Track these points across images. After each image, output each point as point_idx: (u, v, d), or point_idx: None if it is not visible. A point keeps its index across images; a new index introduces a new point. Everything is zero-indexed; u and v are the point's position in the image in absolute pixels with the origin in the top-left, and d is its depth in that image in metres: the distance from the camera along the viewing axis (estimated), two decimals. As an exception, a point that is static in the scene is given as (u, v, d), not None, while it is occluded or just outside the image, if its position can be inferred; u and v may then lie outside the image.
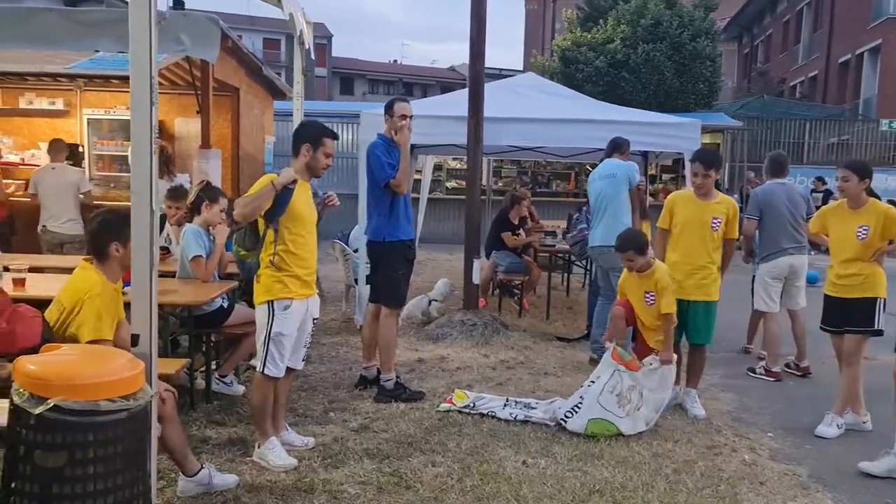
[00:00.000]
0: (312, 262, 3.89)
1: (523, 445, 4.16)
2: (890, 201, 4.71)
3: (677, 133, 7.26)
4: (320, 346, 6.33)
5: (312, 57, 7.03)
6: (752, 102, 23.21)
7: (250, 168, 8.77)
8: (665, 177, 18.00)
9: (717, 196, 4.93)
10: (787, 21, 34.66)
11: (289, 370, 3.88)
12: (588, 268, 8.69)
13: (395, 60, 65.46)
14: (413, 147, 9.39)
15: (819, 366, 5.95)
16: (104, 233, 3.24)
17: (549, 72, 21.53)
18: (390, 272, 5.00)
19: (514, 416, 4.60)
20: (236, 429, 4.25)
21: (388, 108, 5.06)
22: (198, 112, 7.77)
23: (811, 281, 9.26)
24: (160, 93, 9.15)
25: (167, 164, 7.61)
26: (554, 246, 8.78)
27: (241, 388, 4.93)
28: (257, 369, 3.76)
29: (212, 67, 7.23)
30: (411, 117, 5.05)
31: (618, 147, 6.24)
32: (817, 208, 5.37)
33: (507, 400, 4.86)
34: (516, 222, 8.52)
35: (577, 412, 4.38)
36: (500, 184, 17.94)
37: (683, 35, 19.80)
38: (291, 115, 6.69)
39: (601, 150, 6.71)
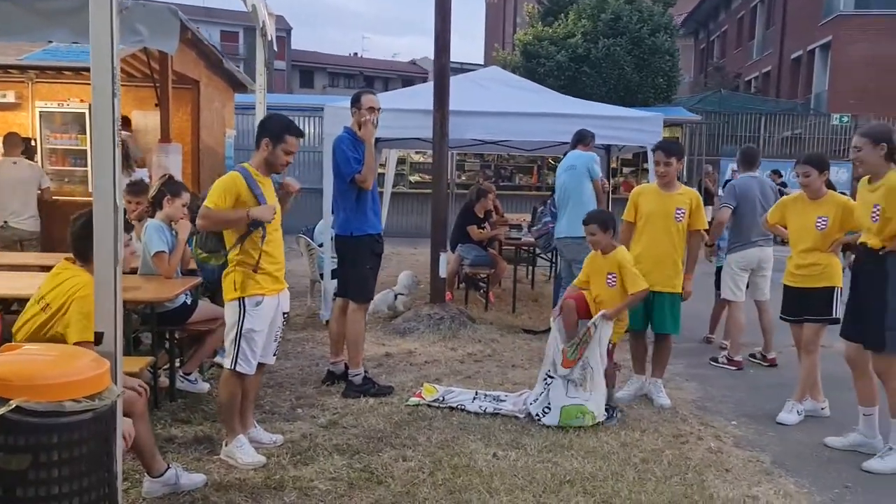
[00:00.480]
0: (281, 257, 3.85)
1: (493, 438, 4.17)
2: (842, 193, 4.82)
3: (640, 127, 7.35)
4: (286, 342, 6.23)
5: (275, 49, 6.93)
6: (709, 97, 23.65)
7: (211, 162, 8.61)
8: (625, 170, 18.24)
9: (680, 187, 4.98)
10: (741, 17, 35.35)
11: (260, 365, 3.83)
12: (553, 260, 8.75)
13: (356, 53, 65.03)
14: (377, 141, 9.36)
15: (778, 355, 6.08)
16: (89, 234, 3.15)
17: (511, 66, 21.59)
18: (358, 266, 4.96)
19: (483, 408, 4.61)
20: (202, 427, 4.18)
21: (355, 101, 5.00)
22: (156, 105, 7.60)
23: None
24: (118, 85, 8.87)
25: (126, 158, 7.45)
26: (519, 239, 8.82)
27: (205, 386, 4.84)
28: (227, 366, 3.69)
29: (171, 59, 7.07)
30: (379, 110, 5.01)
31: (582, 139, 6.29)
32: None
33: (476, 393, 4.87)
34: (482, 216, 8.53)
35: (548, 412, 4.42)
36: (464, 177, 17.97)
37: (643, 30, 20.04)
38: (253, 109, 6.60)
39: (565, 143, 6.77)
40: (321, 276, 7.16)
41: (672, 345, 5.06)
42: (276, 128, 3.78)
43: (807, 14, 27.11)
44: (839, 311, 4.51)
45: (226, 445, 3.74)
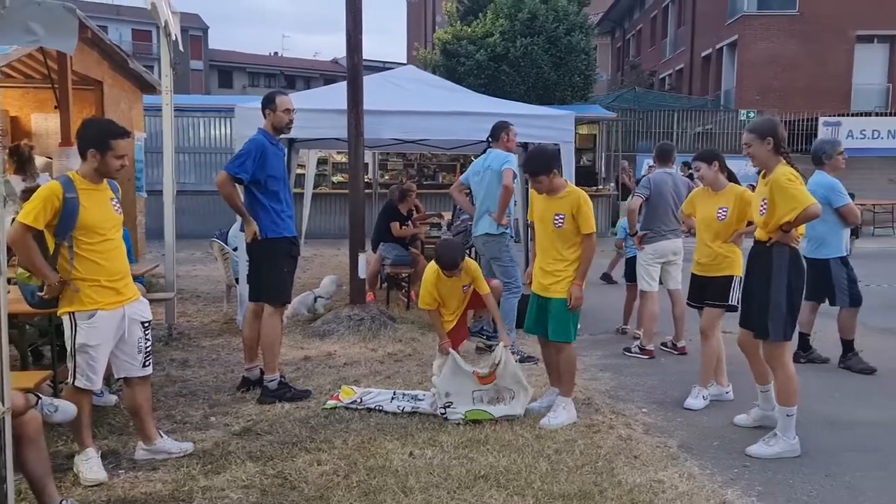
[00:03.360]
0: (122, 267, 3.62)
1: (410, 437, 4.17)
2: (751, 186, 5.05)
3: (553, 125, 7.50)
4: (200, 350, 6.12)
5: (181, 48, 6.73)
6: (624, 94, 24.30)
7: (119, 166, 8.30)
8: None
9: (563, 191, 4.49)
10: (654, 17, 36.50)
11: (132, 378, 3.71)
12: (473, 256, 8.81)
13: (276, 53, 63.94)
14: (293, 141, 9.27)
15: (689, 343, 6.30)
16: None
17: (432, 65, 21.67)
18: (275, 270, 4.88)
19: (401, 408, 4.61)
20: (108, 441, 4.03)
21: (270, 102, 4.91)
22: (56, 107, 7.27)
23: None
24: (11, 86, 8.48)
25: (25, 164, 7.11)
26: (440, 237, 8.85)
27: (112, 398, 4.66)
28: (68, 381, 3.56)
29: (70, 59, 6.78)
30: (293, 110, 4.95)
31: (493, 134, 6.32)
32: None
33: (395, 393, 4.87)
34: (405, 214, 8.54)
35: (451, 406, 4.46)
36: (387, 177, 17.92)
37: (559, 29, 20.42)
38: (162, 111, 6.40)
39: (483, 141, 6.81)
40: (236, 280, 7.01)
41: (587, 336, 4.94)
42: (98, 136, 3.52)
43: (714, 14, 28.23)
44: (735, 298, 4.71)
45: (77, 455, 3.62)
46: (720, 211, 4.77)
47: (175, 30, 6.02)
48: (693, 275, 4.98)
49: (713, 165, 4.86)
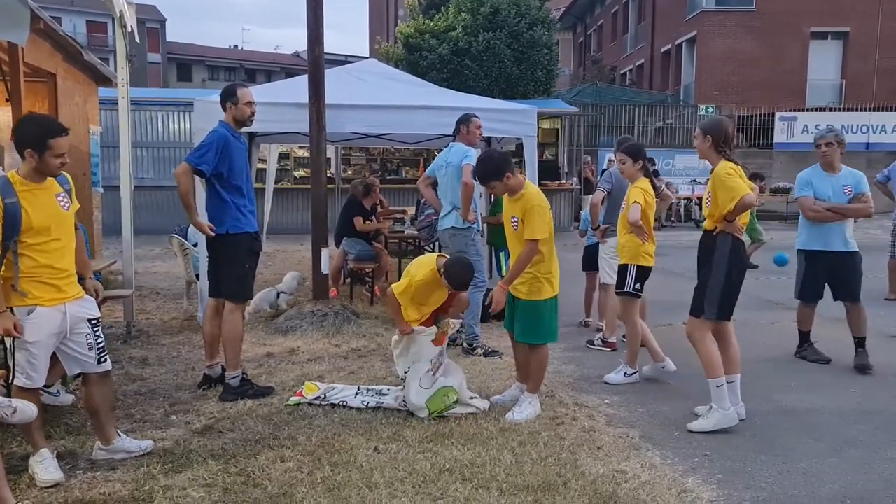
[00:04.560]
0: (66, 265, 3.52)
1: (375, 432, 4.15)
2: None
3: (516, 119, 7.53)
4: (160, 347, 6.02)
5: (137, 40, 6.58)
6: (586, 89, 24.54)
7: (73, 160, 8.07)
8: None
9: (520, 192, 4.44)
10: (615, 12, 36.87)
11: (90, 376, 3.63)
12: (438, 251, 8.81)
13: (237, 46, 63.04)
14: (253, 135, 9.15)
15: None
16: None
17: (394, 59, 21.58)
18: (236, 266, 4.80)
19: (365, 403, 4.59)
20: (64, 441, 3.94)
21: (231, 95, 4.83)
22: (7, 100, 7.05)
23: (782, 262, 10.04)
24: (-42, 78, 8.10)
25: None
26: (403, 232, 8.82)
27: (69, 398, 4.56)
28: (11, 379, 3.46)
29: (21, 51, 6.56)
30: (255, 103, 4.88)
31: (456, 128, 6.30)
32: None
33: (359, 388, 4.83)
34: (369, 209, 8.50)
35: (410, 372, 4.50)
36: (350, 171, 17.82)
37: (521, 24, 20.49)
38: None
39: (446, 136, 6.80)
40: (197, 276, 6.90)
41: (546, 355, 4.60)
42: (35, 135, 3.39)
43: (674, 9, 28.63)
44: (631, 285, 5.20)
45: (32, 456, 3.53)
46: (626, 205, 5.20)
47: (131, 21, 5.89)
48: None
49: (639, 162, 5.22)
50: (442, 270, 4.49)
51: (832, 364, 5.70)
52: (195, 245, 6.99)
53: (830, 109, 23.26)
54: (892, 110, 22.00)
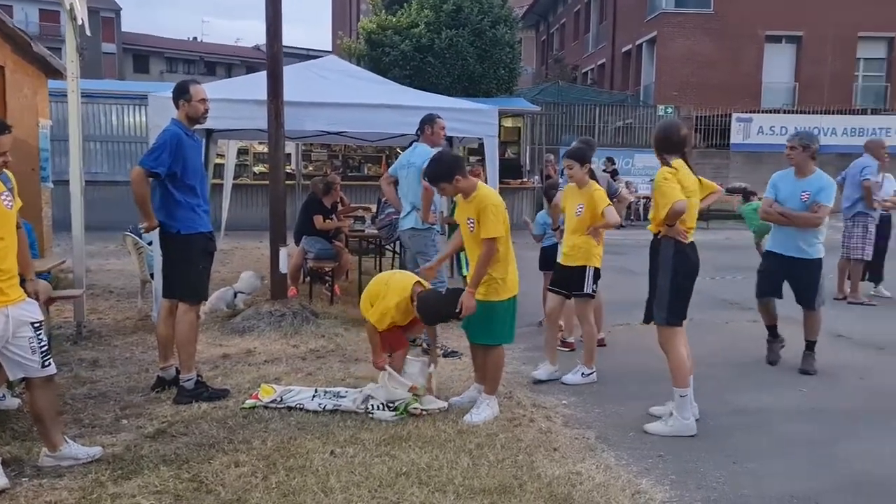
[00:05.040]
0: (8, 267, 3.41)
1: (332, 436, 4.12)
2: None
3: (477, 119, 7.53)
4: (112, 349, 5.89)
5: (88, 33, 6.41)
6: (548, 88, 24.71)
7: (22, 155, 7.85)
8: (472, 159, 18.67)
9: (473, 193, 4.42)
10: (577, 11, 37.15)
11: (33, 380, 3.53)
12: (397, 251, 8.79)
13: (195, 38, 61.93)
14: (211, 132, 9.01)
15: (608, 334, 6.46)
16: None
17: (357, 54, 21.44)
18: (190, 267, 4.72)
19: (323, 406, 4.55)
20: (10, 447, 3.82)
21: (184, 92, 4.72)
22: (-47, 92, 6.83)
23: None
24: None
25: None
26: (363, 231, 8.76)
27: (15, 402, 4.43)
28: None
29: (-33, 42, 6.37)
30: (208, 100, 4.79)
31: (420, 128, 6.28)
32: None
33: (316, 391, 4.79)
34: (329, 207, 8.43)
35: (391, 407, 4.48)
36: (311, 168, 17.66)
37: (484, 22, 20.53)
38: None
39: (407, 135, 6.77)
40: (152, 275, 6.77)
41: (501, 356, 4.60)
42: None
43: (635, 10, 28.97)
44: (590, 287, 5.30)
45: None
46: (578, 207, 5.25)
47: (81, 14, 5.74)
48: (557, 263, 5.47)
49: (584, 167, 5.27)
50: (415, 304, 4.52)
51: (783, 363, 5.83)
52: (150, 243, 6.84)
53: (784, 111, 23.81)
54: (842, 113, 22.60)
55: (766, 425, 4.48)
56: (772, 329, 5.95)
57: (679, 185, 4.17)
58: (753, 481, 3.67)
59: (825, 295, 5.74)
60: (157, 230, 4.73)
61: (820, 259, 5.62)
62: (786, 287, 5.76)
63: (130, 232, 7.30)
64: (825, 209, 5.48)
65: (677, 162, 4.30)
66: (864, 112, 23.52)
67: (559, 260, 5.44)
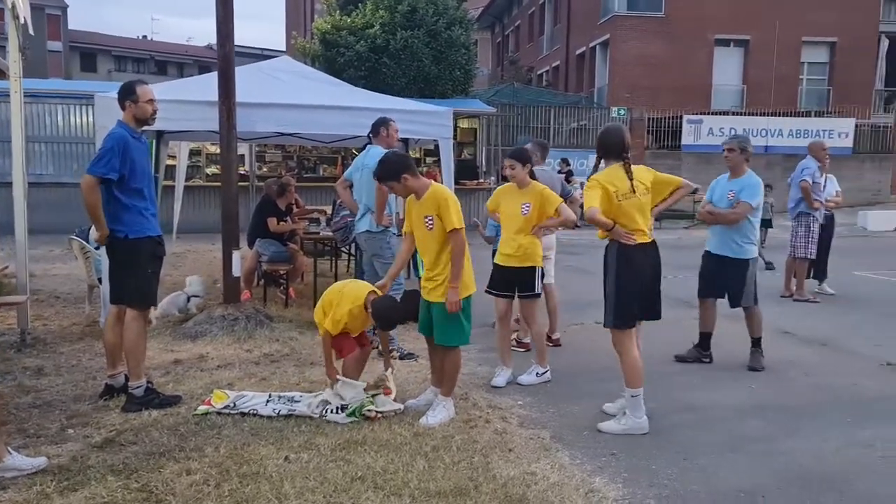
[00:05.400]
0: None
1: (286, 441, 4.07)
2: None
3: (432, 121, 7.53)
4: (58, 356, 5.73)
5: (31, 32, 6.22)
6: (504, 89, 24.87)
7: (-37, 157, 7.60)
8: (428, 160, 18.68)
9: (426, 192, 4.43)
10: (532, 13, 37.48)
11: None
12: (353, 253, 8.73)
13: (145, 36, 60.62)
14: (162, 133, 8.83)
15: (563, 334, 6.53)
16: None
17: (311, 55, 21.27)
18: (138, 272, 4.61)
19: (277, 411, 4.49)
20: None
21: (130, 93, 4.60)
22: None
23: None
24: None
25: None
26: (318, 233, 8.69)
27: (-45, 414, 4.27)
28: None
29: None
30: (156, 100, 4.69)
31: (373, 130, 6.25)
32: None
33: (270, 395, 4.73)
34: (284, 209, 8.34)
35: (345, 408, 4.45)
36: (265, 169, 17.47)
37: (439, 23, 20.56)
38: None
39: (361, 136, 6.73)
40: (99, 280, 6.60)
41: (458, 358, 4.61)
42: None
43: (588, 13, 29.36)
44: (539, 287, 5.33)
45: None
46: (524, 206, 5.20)
47: (24, 12, 5.57)
48: (497, 265, 5.39)
49: (526, 167, 5.27)
50: (370, 310, 4.53)
51: (731, 361, 5.96)
52: (97, 248, 6.68)
53: (733, 114, 24.41)
54: (787, 115, 23.26)
55: (715, 422, 4.58)
56: (704, 338, 5.97)
57: (602, 192, 4.24)
58: (703, 477, 3.74)
59: (756, 292, 5.85)
60: None
61: (748, 260, 5.77)
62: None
63: (77, 235, 7.11)
64: (744, 206, 5.69)
65: (611, 168, 4.36)
66: (808, 114, 24.24)
67: (499, 262, 5.36)
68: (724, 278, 5.83)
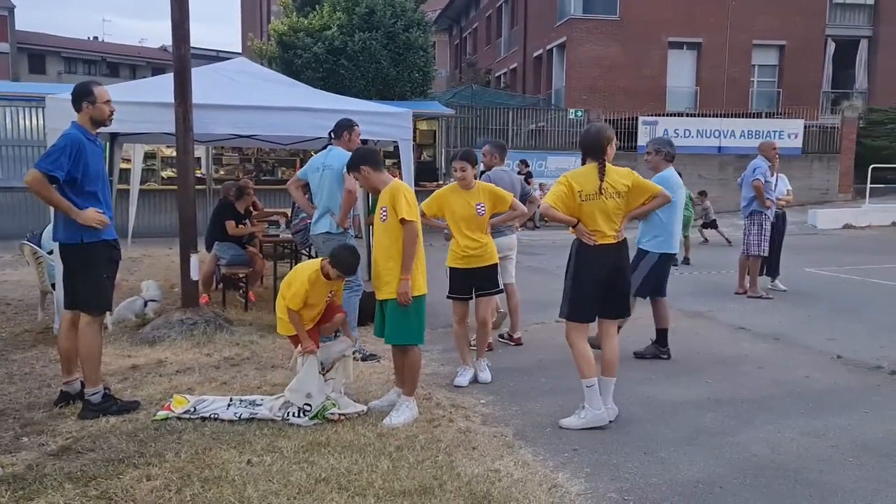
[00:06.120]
0: None
1: (248, 444, 4.04)
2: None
3: (390, 122, 7.52)
4: (10, 363, 5.58)
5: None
6: (462, 91, 24.96)
7: None
8: (388, 161, 18.65)
9: (385, 186, 4.52)
10: (489, 16, 37.69)
11: None
12: (312, 255, 8.67)
13: (96, 37, 59.27)
14: (116, 135, 8.66)
15: (524, 333, 6.59)
16: None
17: (268, 56, 21.06)
18: (93, 276, 4.51)
19: (238, 415, 4.45)
20: None
21: (87, 94, 4.49)
22: None
23: None
24: None
25: None
26: (278, 236, 8.62)
27: None
28: None
29: None
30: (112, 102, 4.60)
31: (336, 131, 6.22)
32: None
33: (231, 399, 4.68)
34: (242, 212, 8.25)
35: (308, 408, 4.42)
36: (222, 171, 17.24)
37: (397, 25, 20.54)
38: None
39: (320, 138, 6.69)
40: (52, 286, 6.44)
41: (418, 356, 4.60)
42: None
43: (545, 15, 29.64)
44: (501, 283, 5.54)
45: None
46: (478, 206, 5.30)
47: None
48: (457, 268, 5.39)
49: (475, 169, 5.38)
50: (329, 260, 4.53)
51: (689, 355, 6.10)
52: (50, 252, 6.52)
53: (687, 115, 24.88)
54: (739, 116, 23.81)
55: (674, 416, 4.68)
56: (661, 335, 6.10)
57: (566, 189, 4.37)
58: (663, 470, 3.82)
59: (656, 287, 6.07)
60: (56, 243, 4.50)
61: (647, 252, 6.03)
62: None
63: (28, 240, 6.93)
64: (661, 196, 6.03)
65: (586, 167, 4.46)
66: (759, 115, 24.83)
67: (459, 265, 5.35)
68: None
